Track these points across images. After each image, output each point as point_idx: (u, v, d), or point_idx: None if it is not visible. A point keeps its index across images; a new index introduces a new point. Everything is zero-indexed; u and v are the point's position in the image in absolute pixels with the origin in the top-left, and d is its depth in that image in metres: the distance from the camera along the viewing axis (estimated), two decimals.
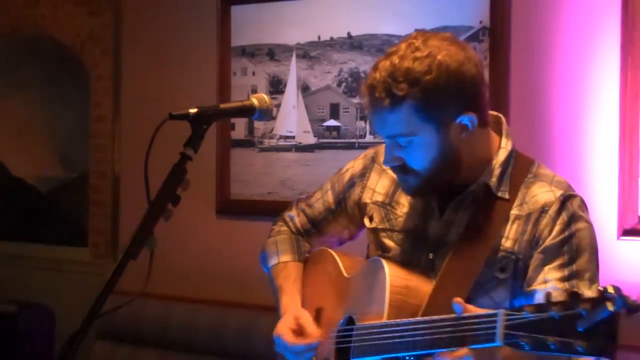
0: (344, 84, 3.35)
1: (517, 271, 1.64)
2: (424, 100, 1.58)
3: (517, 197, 1.67)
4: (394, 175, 1.76)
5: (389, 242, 1.79)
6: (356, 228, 1.94)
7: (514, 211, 1.66)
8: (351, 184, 1.90)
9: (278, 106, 3.47)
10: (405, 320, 1.57)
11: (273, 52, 3.51)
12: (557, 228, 1.63)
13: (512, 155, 1.71)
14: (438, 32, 1.76)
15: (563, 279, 1.59)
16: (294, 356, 1.81)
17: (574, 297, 1.24)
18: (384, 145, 1.75)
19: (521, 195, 1.67)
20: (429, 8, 3.15)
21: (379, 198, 1.83)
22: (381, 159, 1.82)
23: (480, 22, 3.06)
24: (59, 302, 4.13)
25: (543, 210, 1.65)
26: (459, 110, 1.61)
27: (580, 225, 1.66)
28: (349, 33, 3.34)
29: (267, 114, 1.67)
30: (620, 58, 2.78)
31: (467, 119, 1.62)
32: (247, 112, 1.67)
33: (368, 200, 1.84)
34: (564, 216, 1.64)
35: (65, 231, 4.39)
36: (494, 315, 1.35)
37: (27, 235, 4.49)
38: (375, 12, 3.28)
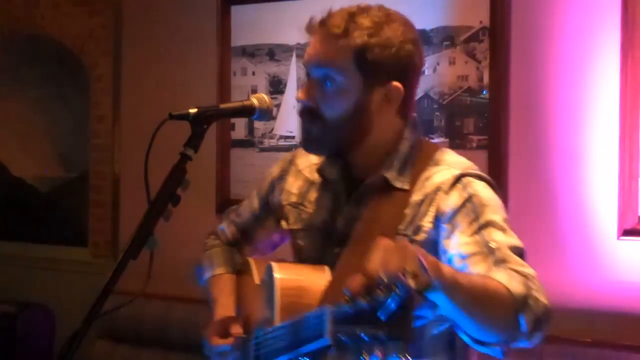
0: None
1: (429, 236, 1.62)
2: (368, 49, 1.60)
3: (416, 186, 1.65)
4: (308, 176, 1.78)
5: (301, 242, 1.78)
6: (283, 231, 1.91)
7: (413, 198, 1.64)
8: (271, 187, 1.89)
9: (278, 106, 3.47)
10: (274, 326, 1.59)
11: (273, 52, 3.51)
12: (454, 196, 1.60)
13: (415, 146, 1.69)
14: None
15: (473, 234, 1.55)
16: (219, 358, 1.81)
17: (370, 286, 1.21)
18: (301, 149, 1.78)
19: (420, 183, 1.65)
20: (429, 8, 3.15)
21: (293, 199, 1.82)
22: (298, 160, 1.83)
23: (480, 22, 3.06)
24: (59, 302, 4.13)
25: (438, 189, 1.63)
26: (390, 77, 1.63)
27: (476, 186, 1.62)
28: None
29: (267, 114, 1.67)
30: (620, 58, 2.78)
31: (395, 88, 1.63)
32: (247, 112, 1.66)
33: (285, 203, 1.84)
34: (458, 186, 1.62)
35: (65, 231, 4.39)
36: (322, 312, 1.33)
37: (27, 235, 4.49)
38: None
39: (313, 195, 1.78)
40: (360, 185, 1.69)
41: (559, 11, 2.92)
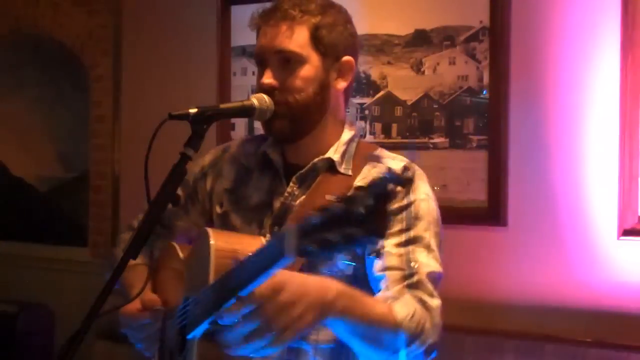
0: None
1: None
2: (321, 27, 1.67)
3: (359, 173, 1.69)
4: (244, 162, 1.80)
5: (236, 223, 1.77)
6: (207, 221, 1.87)
7: (357, 182, 1.67)
8: (202, 175, 1.87)
9: None
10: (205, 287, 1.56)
11: None
12: (399, 194, 1.64)
13: (354, 139, 1.75)
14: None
15: (399, 245, 1.59)
16: (137, 332, 1.75)
17: (352, 194, 1.20)
18: (237, 140, 1.87)
19: (364, 172, 1.69)
20: (428, 8, 3.15)
21: (228, 185, 1.82)
22: (234, 149, 1.85)
23: (480, 22, 3.06)
24: (59, 302, 4.13)
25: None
26: (344, 52, 1.70)
27: (419, 195, 1.65)
28: None
29: (267, 113, 1.67)
30: (620, 58, 2.78)
31: (347, 62, 1.70)
32: (247, 112, 1.66)
33: (219, 189, 1.83)
34: (406, 183, 1.65)
35: (65, 231, 4.39)
36: (283, 233, 1.27)
37: (27, 235, 4.49)
38: (375, 12, 3.28)
39: (250, 179, 1.80)
40: (305, 167, 1.71)
41: (559, 11, 2.92)
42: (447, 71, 3.13)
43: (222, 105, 1.65)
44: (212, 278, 1.56)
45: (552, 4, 2.93)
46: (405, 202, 1.63)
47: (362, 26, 3.30)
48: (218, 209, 1.83)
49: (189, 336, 1.56)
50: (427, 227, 1.63)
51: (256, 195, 1.76)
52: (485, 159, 3.03)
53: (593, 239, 2.84)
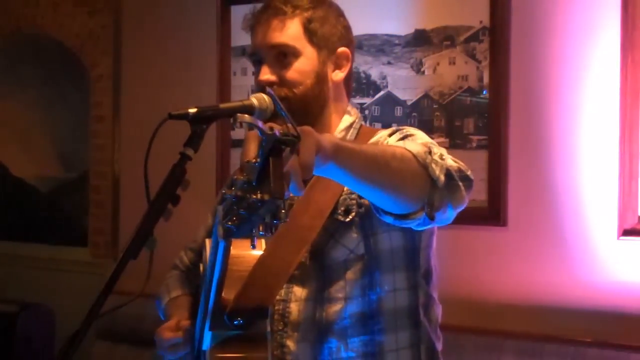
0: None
1: (362, 212, 1.62)
2: (314, 20, 1.68)
3: None
4: None
5: None
6: None
7: None
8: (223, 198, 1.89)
9: None
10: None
11: None
12: (392, 140, 1.60)
13: (354, 125, 1.75)
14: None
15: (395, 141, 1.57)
16: (170, 353, 1.76)
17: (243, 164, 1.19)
18: None
19: None
20: (428, 8, 3.15)
21: None
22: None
23: (480, 22, 3.06)
24: (59, 302, 4.13)
25: (376, 142, 1.65)
26: (339, 44, 1.71)
27: (412, 129, 1.62)
28: None
29: (266, 113, 1.67)
30: (620, 58, 2.78)
31: (343, 53, 1.71)
32: (247, 111, 1.66)
33: None
34: (396, 133, 1.62)
35: (65, 231, 4.39)
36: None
37: (27, 235, 4.49)
38: (375, 12, 3.28)
39: None
40: None
41: (559, 11, 2.92)
42: (447, 71, 3.13)
43: (222, 105, 1.65)
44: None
45: (552, 4, 2.93)
46: (400, 135, 1.60)
47: (362, 26, 3.31)
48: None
49: (203, 347, 1.57)
50: (422, 138, 1.57)
51: None
52: (485, 159, 3.03)
53: (593, 239, 2.84)
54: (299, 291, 1.65)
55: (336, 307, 1.62)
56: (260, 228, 1.19)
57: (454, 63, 3.12)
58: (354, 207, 1.63)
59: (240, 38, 3.60)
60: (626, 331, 2.78)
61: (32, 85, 4.60)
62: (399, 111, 3.24)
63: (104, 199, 4.08)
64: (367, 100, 3.29)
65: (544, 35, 2.95)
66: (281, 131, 1.18)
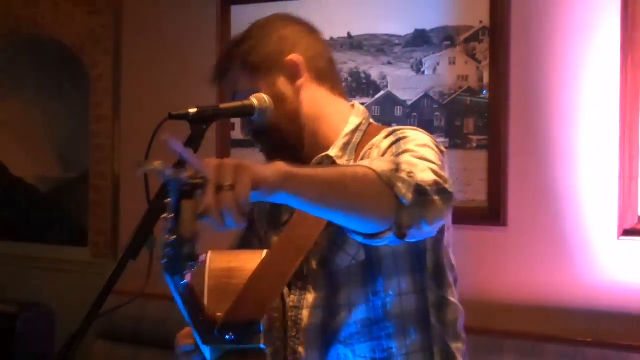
0: (343, 84, 3.35)
1: None
2: (246, 50, 1.69)
3: (359, 158, 1.65)
4: None
5: (274, 239, 1.76)
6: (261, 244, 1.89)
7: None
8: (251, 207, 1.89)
9: None
10: None
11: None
12: (385, 144, 1.58)
13: (360, 127, 1.71)
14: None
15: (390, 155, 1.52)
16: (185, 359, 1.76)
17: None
18: None
19: (362, 154, 1.65)
20: (429, 8, 3.15)
21: (267, 207, 1.80)
22: None
23: (480, 22, 3.06)
24: (59, 302, 4.13)
25: (371, 147, 1.63)
26: (282, 56, 1.68)
27: (407, 131, 1.57)
28: (349, 33, 3.34)
29: (267, 113, 1.67)
30: (620, 58, 2.78)
31: (289, 62, 1.67)
32: (247, 111, 1.66)
33: (262, 212, 1.84)
34: (390, 137, 1.59)
35: (65, 231, 4.39)
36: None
37: (27, 235, 4.49)
38: (375, 12, 3.28)
39: None
40: None
41: (559, 11, 2.92)
42: (447, 71, 3.13)
43: (222, 105, 1.65)
44: (206, 299, 1.57)
45: (552, 4, 2.93)
46: (394, 138, 1.57)
47: (362, 26, 3.31)
48: (261, 232, 1.83)
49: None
50: (418, 145, 1.52)
51: (285, 212, 1.75)
52: (485, 159, 3.03)
53: (593, 239, 2.84)
54: (310, 298, 1.65)
55: (343, 314, 1.61)
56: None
57: (454, 63, 3.12)
58: None
59: None
60: (626, 331, 2.78)
61: (32, 85, 4.60)
62: (399, 111, 3.24)
63: (104, 199, 4.08)
64: (367, 100, 3.29)
65: (544, 35, 2.95)
66: (188, 175, 1.20)
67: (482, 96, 3.06)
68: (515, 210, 2.99)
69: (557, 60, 2.92)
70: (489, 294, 3.00)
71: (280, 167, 1.24)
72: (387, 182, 1.32)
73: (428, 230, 1.37)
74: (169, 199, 1.26)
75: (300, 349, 1.64)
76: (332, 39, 3.37)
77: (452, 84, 3.12)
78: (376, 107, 3.28)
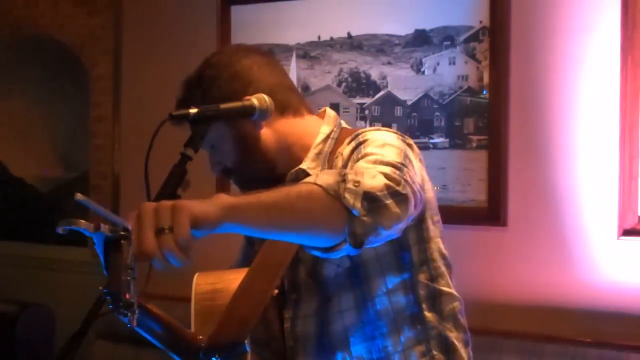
0: (344, 84, 3.36)
1: None
2: (200, 96, 1.67)
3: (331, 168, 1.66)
4: None
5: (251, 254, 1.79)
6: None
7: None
8: None
9: None
10: None
11: (273, 52, 3.51)
12: (347, 151, 1.59)
13: (332, 135, 1.71)
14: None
15: (353, 162, 1.51)
16: None
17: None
18: None
19: (334, 164, 1.66)
20: (428, 8, 3.15)
21: None
22: None
23: (480, 22, 3.06)
24: (59, 302, 4.12)
25: (337, 155, 1.64)
26: (236, 99, 1.64)
27: (368, 133, 1.57)
28: (349, 33, 3.34)
29: (267, 113, 1.67)
30: (620, 58, 2.78)
31: (248, 102, 1.64)
32: (247, 112, 1.66)
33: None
34: (352, 143, 1.60)
35: None
36: None
37: (27, 235, 4.49)
38: (375, 12, 3.28)
39: None
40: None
41: (559, 11, 2.92)
42: (447, 71, 3.13)
43: (222, 105, 1.65)
44: (193, 322, 1.62)
45: (552, 4, 2.93)
46: (354, 143, 1.57)
47: (362, 26, 3.31)
48: (257, 246, 1.83)
49: None
50: (378, 146, 1.52)
51: None
52: (485, 159, 3.03)
53: (593, 239, 2.84)
54: (304, 308, 1.67)
55: (336, 321, 1.63)
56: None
57: (454, 63, 3.12)
58: None
59: (240, 38, 3.60)
60: (626, 331, 2.78)
61: (32, 85, 4.60)
62: (399, 111, 3.24)
63: (104, 199, 4.08)
64: (367, 100, 3.29)
65: (544, 35, 2.95)
66: (108, 229, 1.25)
67: (482, 96, 3.06)
68: (515, 210, 2.99)
69: (557, 60, 2.92)
70: (489, 294, 3.00)
71: (222, 200, 1.23)
72: (334, 195, 1.30)
73: (388, 234, 1.36)
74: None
75: (299, 359, 1.66)
76: (332, 39, 3.37)
77: (452, 84, 3.12)
78: (376, 107, 3.28)
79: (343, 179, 1.32)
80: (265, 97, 1.66)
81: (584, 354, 2.74)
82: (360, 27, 3.32)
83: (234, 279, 1.64)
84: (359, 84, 3.30)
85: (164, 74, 3.86)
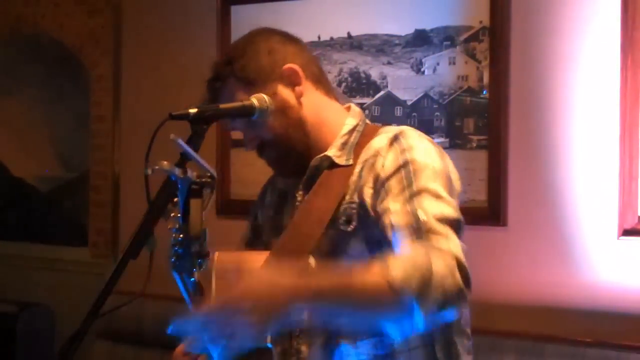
0: (344, 84, 3.35)
1: (363, 219, 1.62)
2: (240, 67, 1.69)
3: (359, 158, 1.67)
4: (282, 187, 1.83)
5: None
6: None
7: (356, 169, 1.66)
8: (254, 210, 1.93)
9: None
10: None
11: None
12: (390, 160, 1.60)
13: (357, 128, 1.73)
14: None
15: (405, 202, 1.53)
16: None
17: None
18: None
19: (362, 154, 1.67)
20: (429, 8, 3.15)
21: (270, 213, 1.85)
22: (276, 178, 1.88)
23: (480, 22, 3.06)
24: (59, 302, 4.12)
25: (376, 154, 1.64)
26: (277, 67, 1.69)
27: (415, 152, 1.59)
28: (349, 33, 3.34)
29: (267, 114, 1.68)
30: (620, 58, 2.78)
31: (287, 70, 1.69)
32: (247, 112, 1.67)
33: (265, 219, 1.87)
34: (396, 148, 1.61)
35: (65, 231, 4.39)
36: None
37: (27, 235, 4.49)
38: (375, 12, 3.28)
39: (286, 202, 1.81)
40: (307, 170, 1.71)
41: (558, 11, 2.92)
42: (447, 71, 3.13)
43: (222, 105, 1.66)
44: (214, 298, 1.59)
45: (552, 4, 2.93)
46: (401, 161, 1.59)
47: (362, 26, 3.31)
48: (265, 238, 1.86)
49: None
50: (431, 177, 1.56)
51: (287, 216, 1.77)
52: (485, 159, 3.03)
53: (593, 239, 2.84)
54: None
55: None
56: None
57: (454, 63, 3.12)
58: (354, 215, 1.63)
59: None
60: (626, 331, 2.78)
61: (32, 85, 4.59)
62: (399, 111, 3.24)
63: (104, 199, 4.08)
64: (367, 100, 3.29)
65: (544, 35, 2.95)
66: (196, 174, 1.28)
67: (482, 96, 3.06)
68: (515, 210, 2.99)
69: (557, 60, 2.92)
70: (489, 294, 3.00)
71: (289, 291, 1.33)
72: (403, 298, 1.35)
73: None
74: (176, 198, 1.28)
75: (304, 348, 1.66)
76: (332, 39, 3.37)
77: (452, 84, 3.12)
78: (376, 107, 3.28)
79: (425, 286, 1.36)
80: (266, 97, 1.67)
81: (584, 354, 2.74)
82: (360, 27, 3.32)
83: (257, 260, 1.64)
84: (359, 84, 3.30)
85: (164, 74, 3.86)
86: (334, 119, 1.74)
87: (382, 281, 1.35)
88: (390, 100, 3.25)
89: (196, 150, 1.55)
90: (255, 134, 1.72)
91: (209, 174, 1.25)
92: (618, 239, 2.79)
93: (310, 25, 3.40)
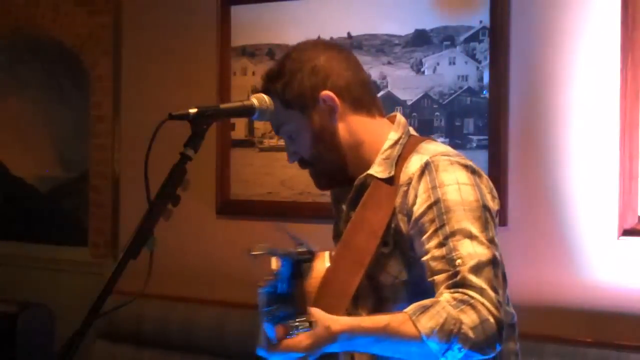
0: None
1: (399, 242, 1.64)
2: (281, 88, 1.69)
3: (401, 174, 1.68)
4: (335, 193, 1.85)
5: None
6: None
7: (400, 185, 1.67)
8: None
9: None
10: None
11: (273, 52, 3.51)
12: (422, 196, 1.61)
13: (400, 142, 1.73)
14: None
15: (439, 245, 1.55)
16: None
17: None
18: None
19: (402, 175, 1.68)
20: (429, 8, 3.15)
21: (334, 223, 1.87)
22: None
23: (480, 22, 3.06)
24: (59, 302, 4.12)
25: (409, 181, 1.65)
26: (316, 92, 1.69)
27: (445, 189, 1.60)
28: (349, 33, 3.34)
29: (267, 114, 1.68)
30: (620, 58, 2.79)
31: (325, 96, 1.69)
32: (247, 112, 1.67)
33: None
34: (427, 182, 1.61)
35: (65, 231, 4.39)
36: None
37: (27, 235, 4.49)
38: (375, 12, 3.28)
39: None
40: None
41: (558, 11, 2.92)
42: (447, 71, 3.13)
43: (222, 105, 1.66)
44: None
45: (552, 4, 2.94)
46: (432, 199, 1.59)
47: (362, 26, 3.31)
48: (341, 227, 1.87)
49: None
50: (462, 216, 1.57)
51: (343, 222, 1.78)
52: (485, 159, 3.03)
53: (593, 239, 2.84)
54: (361, 302, 1.69)
55: None
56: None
57: (454, 63, 3.12)
58: (390, 239, 1.65)
59: (241, 38, 3.60)
60: (626, 331, 2.78)
61: (32, 85, 4.60)
62: (398, 111, 3.24)
63: (104, 199, 4.08)
64: None
65: (544, 35, 2.95)
66: (299, 251, 1.45)
67: (482, 96, 3.06)
68: (515, 210, 2.99)
69: (557, 60, 2.92)
70: None
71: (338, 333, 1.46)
72: (439, 350, 1.46)
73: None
74: (277, 270, 1.47)
75: (357, 356, 1.70)
76: (332, 39, 3.36)
77: (452, 84, 3.12)
78: None
79: (453, 338, 1.45)
80: (266, 97, 1.67)
81: (584, 354, 2.74)
82: (360, 27, 3.32)
83: (317, 267, 1.68)
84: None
85: (164, 74, 3.86)
86: (374, 138, 1.73)
87: (417, 333, 1.45)
88: (390, 100, 3.24)
89: (196, 150, 1.55)
90: (295, 149, 1.74)
91: (308, 250, 1.46)
92: (618, 239, 2.79)
93: (310, 25, 3.40)
